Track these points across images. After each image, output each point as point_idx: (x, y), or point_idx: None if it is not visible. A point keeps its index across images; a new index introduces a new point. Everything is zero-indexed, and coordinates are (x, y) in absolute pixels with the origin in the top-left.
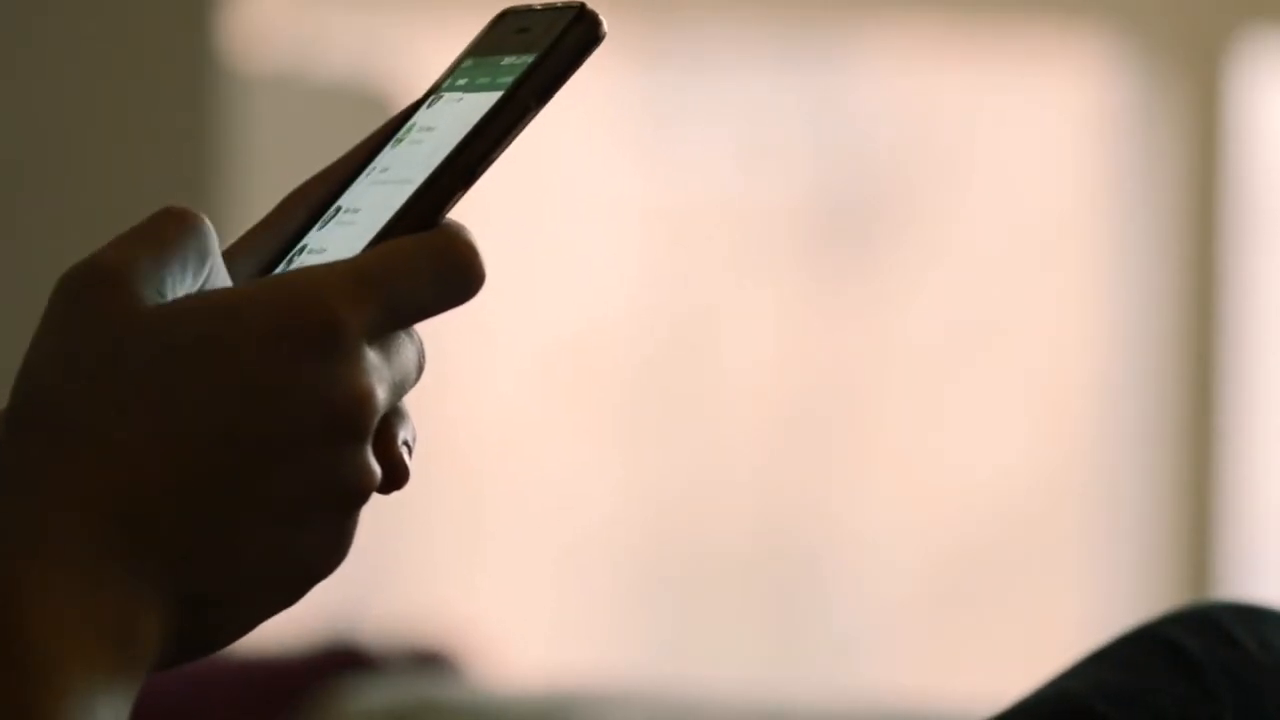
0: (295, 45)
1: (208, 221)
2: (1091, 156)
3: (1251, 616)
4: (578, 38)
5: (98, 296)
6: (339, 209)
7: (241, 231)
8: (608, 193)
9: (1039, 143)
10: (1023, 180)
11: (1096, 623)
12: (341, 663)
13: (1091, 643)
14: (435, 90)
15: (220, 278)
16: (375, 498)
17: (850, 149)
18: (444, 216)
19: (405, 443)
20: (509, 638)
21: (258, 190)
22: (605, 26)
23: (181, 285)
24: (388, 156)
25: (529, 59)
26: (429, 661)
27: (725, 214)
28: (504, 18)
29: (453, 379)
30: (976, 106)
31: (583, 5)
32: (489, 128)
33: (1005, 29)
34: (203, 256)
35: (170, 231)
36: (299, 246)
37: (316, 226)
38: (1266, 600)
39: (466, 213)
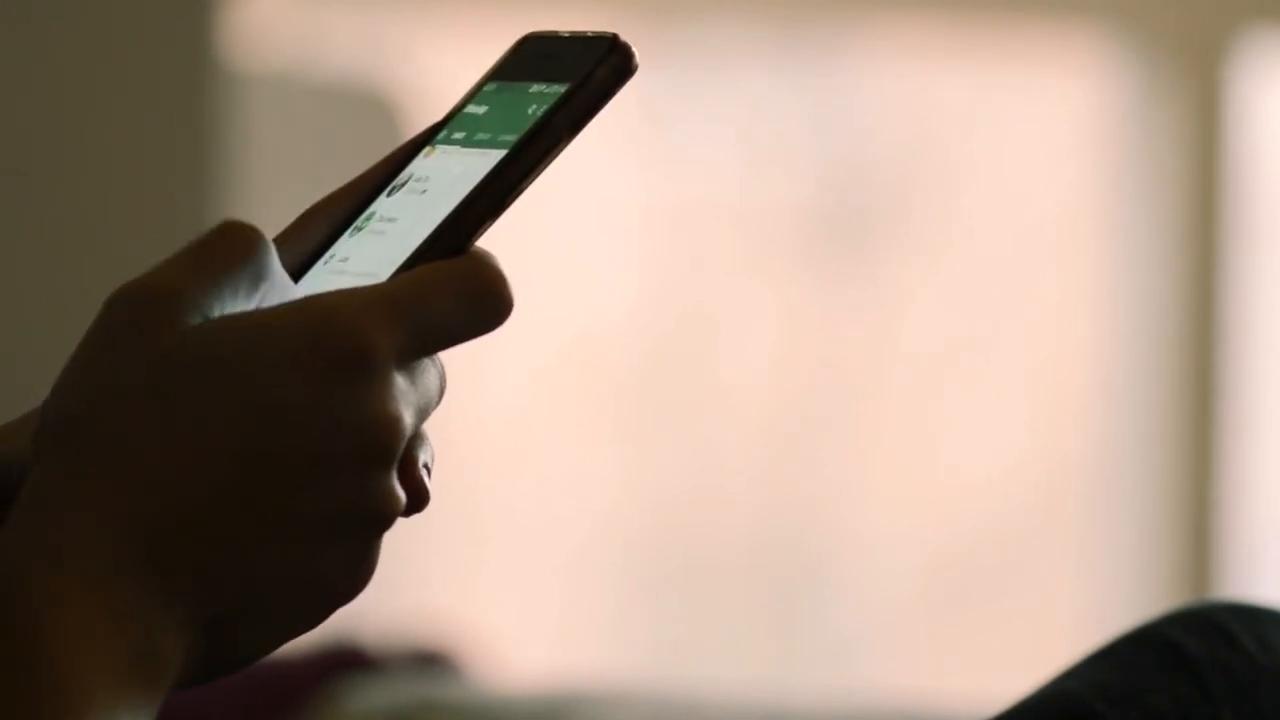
0: (295, 45)
1: (266, 240)
2: (1091, 156)
3: (1251, 617)
4: (612, 70)
5: (143, 321)
6: (371, 215)
7: None
8: (607, 193)
9: (1039, 143)
10: (1023, 180)
11: (1096, 623)
12: (342, 663)
13: (1091, 643)
14: (459, 110)
15: (278, 297)
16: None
17: (851, 149)
18: (474, 243)
19: (425, 465)
20: (510, 638)
21: (258, 190)
22: (638, 58)
23: (232, 309)
24: (420, 165)
25: (560, 89)
26: (430, 662)
27: (725, 214)
28: (527, 42)
29: (453, 379)
30: (976, 106)
31: (615, 37)
32: (521, 157)
33: (1005, 29)
34: (256, 280)
35: (225, 255)
36: (328, 255)
37: (347, 234)
38: (1266, 600)
39: None
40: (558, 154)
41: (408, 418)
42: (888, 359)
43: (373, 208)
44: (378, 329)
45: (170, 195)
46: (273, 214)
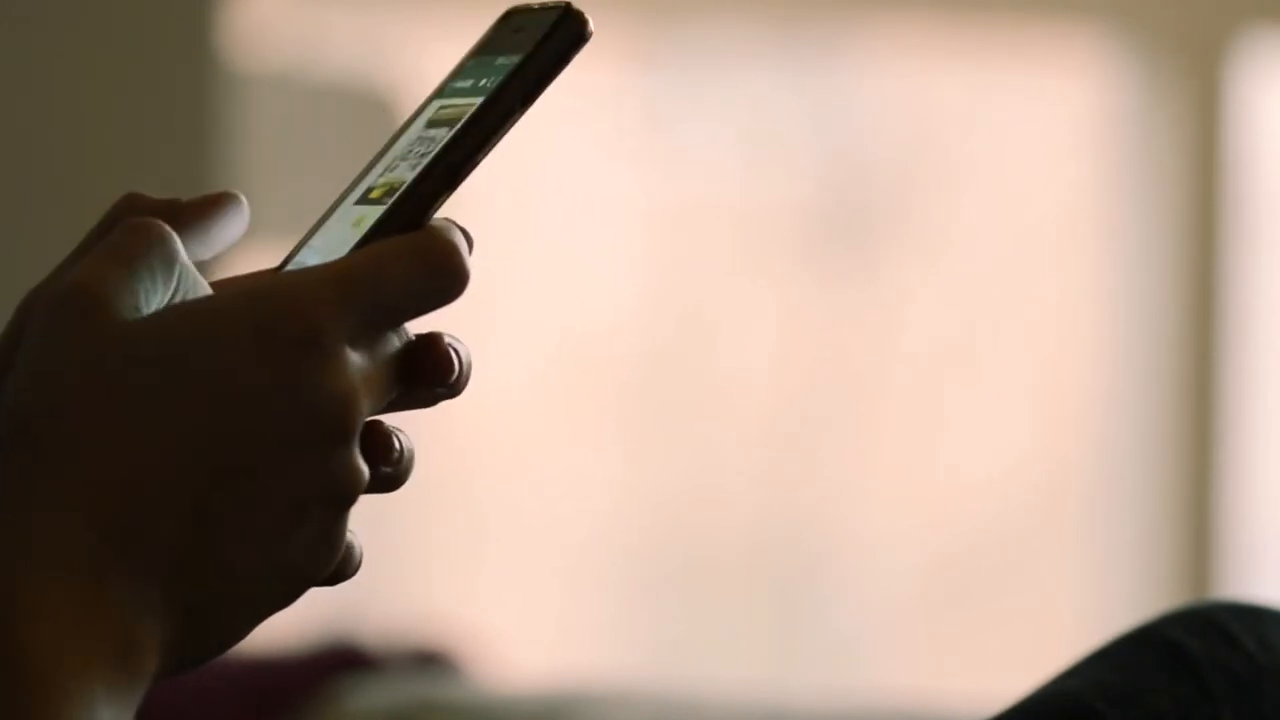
0: (295, 45)
1: (169, 230)
2: (1091, 156)
3: (1251, 616)
4: (563, 39)
5: (75, 317)
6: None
7: None
8: (607, 193)
9: (1039, 143)
10: (1023, 180)
11: (1096, 623)
12: (341, 663)
13: (1091, 643)
14: (441, 90)
15: (192, 283)
16: (377, 498)
17: (850, 149)
18: (430, 217)
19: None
20: (509, 638)
21: (258, 190)
22: (591, 26)
23: (154, 295)
24: (395, 149)
25: (516, 60)
26: (429, 661)
27: (725, 214)
28: (508, 17)
29: None
30: (976, 106)
31: (568, 5)
32: (473, 130)
33: (1005, 29)
34: (169, 264)
35: (134, 246)
36: (302, 244)
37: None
38: (1266, 600)
39: (468, 214)
40: (511, 125)
41: (365, 394)
42: (888, 359)
43: (366, 180)
44: (327, 309)
45: (170, 195)
46: (273, 214)
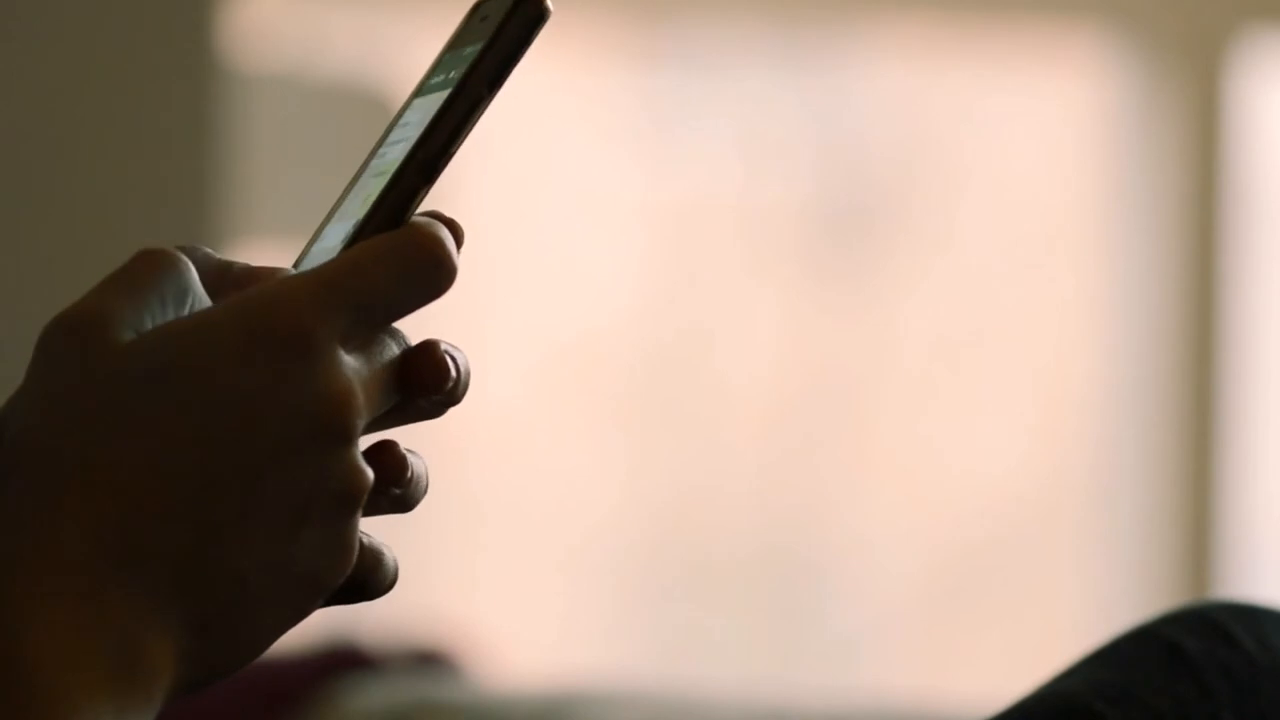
0: (295, 45)
1: (184, 258)
2: (1091, 156)
3: (1251, 616)
4: (521, 20)
5: (74, 341)
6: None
7: (240, 231)
8: (607, 193)
9: (1039, 142)
10: (1023, 180)
11: (1096, 623)
12: (341, 663)
13: (1091, 643)
14: (420, 89)
15: (203, 306)
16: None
17: (850, 148)
18: (410, 214)
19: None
20: (509, 638)
21: (258, 190)
22: (550, 3)
23: (162, 320)
24: (379, 153)
25: (479, 48)
26: (429, 661)
27: (725, 214)
28: (477, 7)
29: None
30: (976, 106)
31: None
32: (442, 122)
33: (1005, 29)
34: (181, 293)
35: (146, 273)
36: (314, 239)
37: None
38: (1266, 600)
39: (467, 213)
40: (481, 113)
41: (360, 393)
42: (887, 359)
43: (351, 192)
44: (314, 312)
45: (170, 195)
46: (272, 214)
